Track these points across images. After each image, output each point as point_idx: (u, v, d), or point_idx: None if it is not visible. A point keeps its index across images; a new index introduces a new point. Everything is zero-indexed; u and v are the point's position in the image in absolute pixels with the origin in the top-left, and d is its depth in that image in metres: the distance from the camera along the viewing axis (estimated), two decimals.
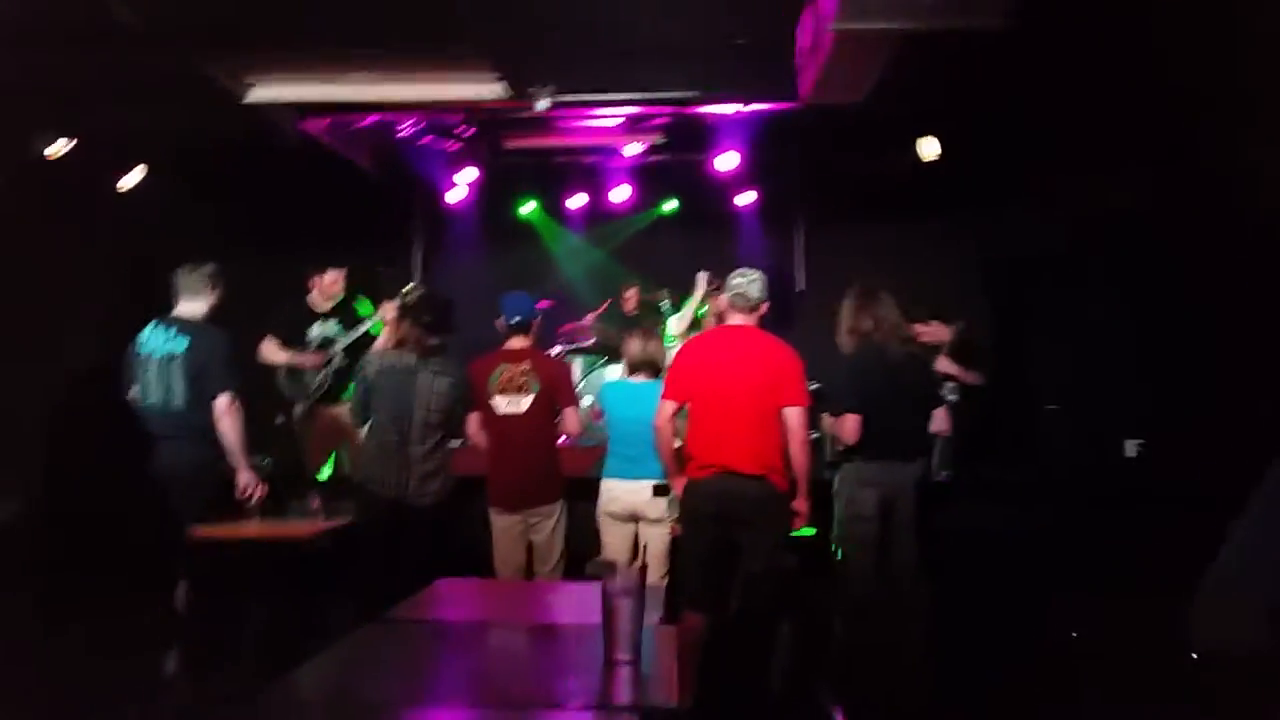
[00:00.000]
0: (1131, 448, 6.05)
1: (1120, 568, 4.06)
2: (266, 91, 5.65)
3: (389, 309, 5.47)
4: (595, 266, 8.55)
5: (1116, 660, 2.70)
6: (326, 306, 6.00)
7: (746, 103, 6.32)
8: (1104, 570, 3.87)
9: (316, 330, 5.93)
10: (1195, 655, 2.16)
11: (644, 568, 2.20)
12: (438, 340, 4.45)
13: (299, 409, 5.88)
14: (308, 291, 5.98)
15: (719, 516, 3.84)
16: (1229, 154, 4.96)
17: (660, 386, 4.28)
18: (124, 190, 6.28)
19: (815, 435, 4.61)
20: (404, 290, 5.79)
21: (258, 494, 4.41)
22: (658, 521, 4.53)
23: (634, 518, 4.59)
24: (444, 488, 4.42)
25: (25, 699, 2.25)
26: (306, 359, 5.85)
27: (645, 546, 3.14)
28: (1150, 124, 5.49)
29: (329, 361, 5.88)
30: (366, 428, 4.51)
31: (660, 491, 4.45)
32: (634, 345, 4.78)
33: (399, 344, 4.47)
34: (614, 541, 4.62)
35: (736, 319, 4.16)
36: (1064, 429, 6.42)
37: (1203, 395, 5.40)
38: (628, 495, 4.56)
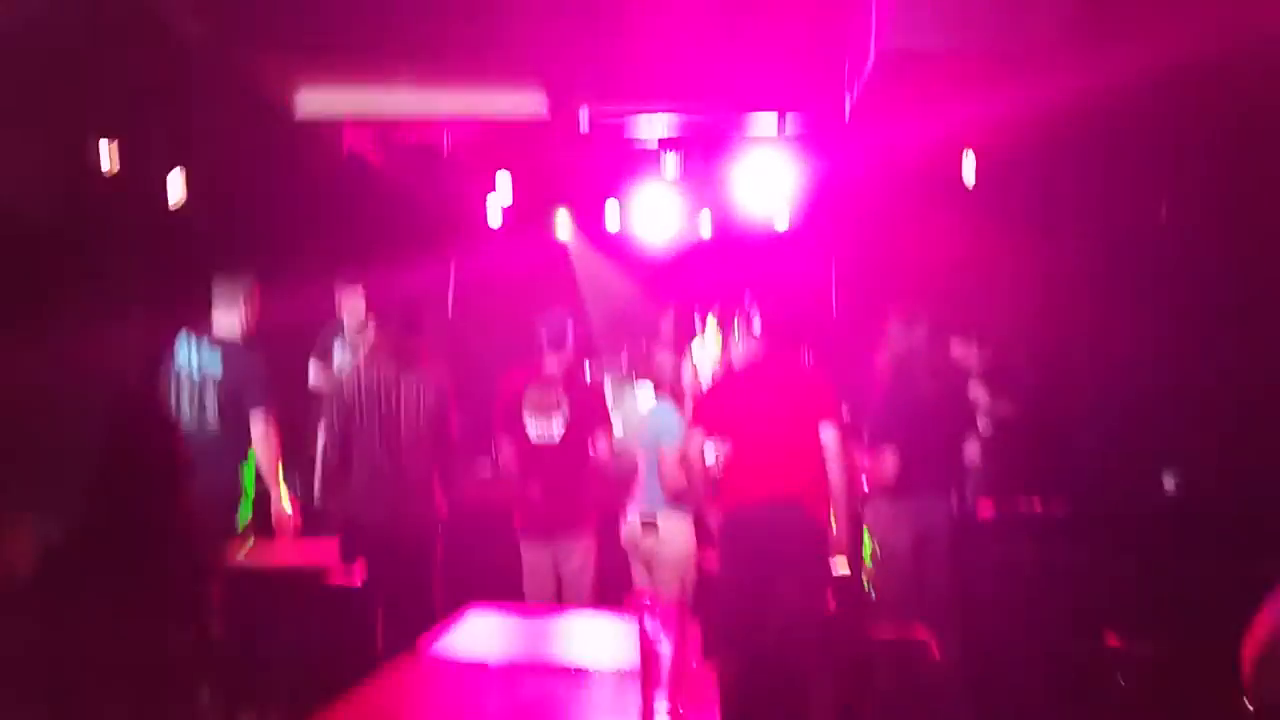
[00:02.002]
0: (1170, 482, 5.93)
1: (1162, 607, 3.98)
2: (313, 103, 5.70)
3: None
4: (630, 288, 8.54)
5: (1162, 706, 2.63)
6: (352, 323, 5.97)
7: (787, 119, 6.29)
8: (1147, 610, 3.79)
9: (338, 345, 5.90)
10: (1250, 703, 2.10)
11: (683, 604, 2.18)
12: (414, 344, 4.30)
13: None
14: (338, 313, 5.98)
15: (757, 553, 3.79)
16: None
17: (673, 412, 4.28)
18: (171, 202, 6.33)
19: None
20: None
21: (292, 524, 4.40)
22: (651, 559, 4.46)
23: (638, 554, 4.54)
24: (435, 509, 4.27)
25: None
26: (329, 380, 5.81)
27: (684, 580, 3.11)
28: (1195, 133, 5.41)
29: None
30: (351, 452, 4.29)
31: (649, 528, 4.40)
32: (663, 369, 4.76)
33: (371, 357, 4.36)
34: (637, 571, 4.58)
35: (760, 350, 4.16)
36: (1100, 461, 6.31)
37: (1244, 427, 5.29)
38: (630, 530, 4.54)
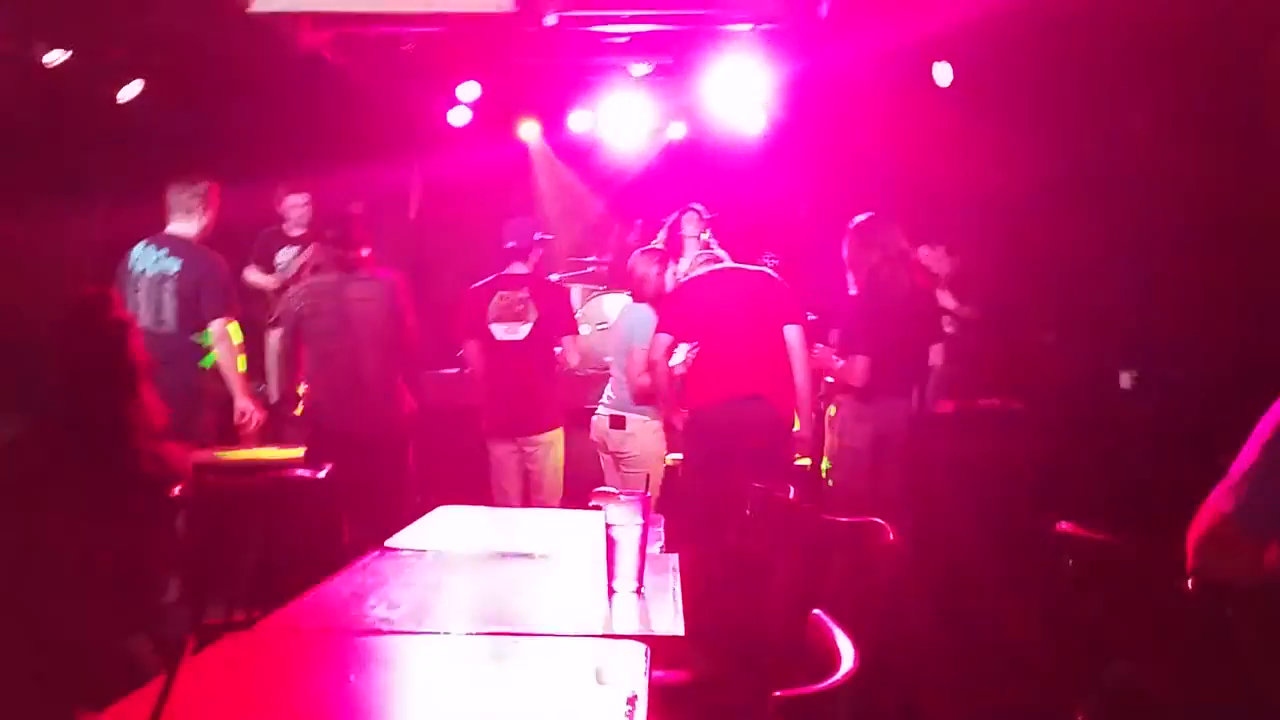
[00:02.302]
0: (1127, 379, 6.06)
1: (1114, 499, 4.11)
2: (271, 1, 5.49)
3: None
4: (599, 194, 8.44)
5: (1108, 587, 2.73)
6: (297, 232, 5.87)
7: (760, 21, 6.15)
8: (1097, 501, 3.92)
9: (283, 255, 5.82)
10: (1191, 584, 2.20)
11: (648, 498, 2.22)
12: (356, 254, 4.21)
13: (268, 334, 5.81)
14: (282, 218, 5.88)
15: (724, 447, 3.86)
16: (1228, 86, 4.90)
17: (647, 316, 4.31)
18: (123, 103, 6.13)
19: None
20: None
21: (256, 421, 4.41)
22: (618, 455, 4.53)
23: (606, 449, 4.61)
24: (403, 412, 4.25)
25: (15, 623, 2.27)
26: (271, 282, 5.73)
27: (649, 477, 3.17)
28: (1168, 40, 5.39)
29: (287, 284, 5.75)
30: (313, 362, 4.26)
31: (617, 424, 4.47)
32: (637, 274, 4.75)
33: (316, 270, 4.35)
34: (607, 471, 4.65)
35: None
36: (1059, 360, 6.42)
37: (1200, 329, 5.39)
38: (598, 424, 4.61)
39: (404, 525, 2.87)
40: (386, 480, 4.10)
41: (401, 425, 4.28)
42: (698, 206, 5.99)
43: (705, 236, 5.50)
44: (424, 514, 3.10)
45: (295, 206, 5.80)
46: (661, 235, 7.65)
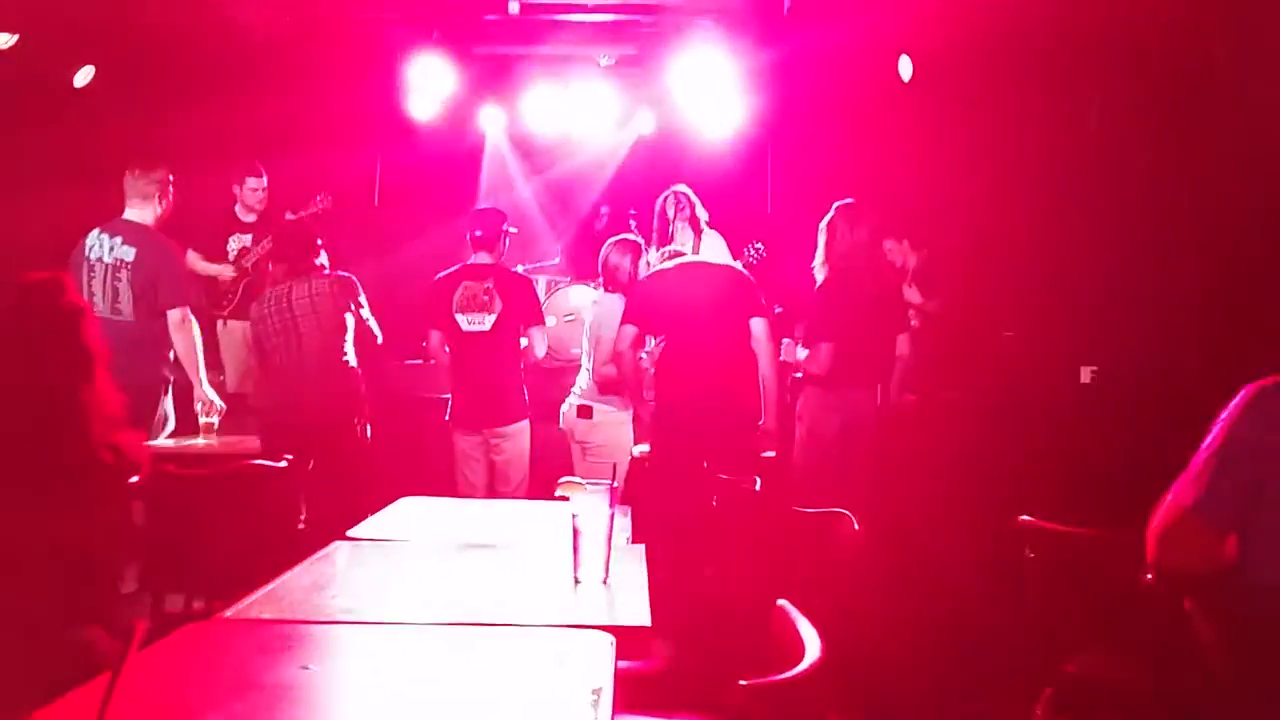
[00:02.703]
0: (1086, 374, 6.14)
1: (1074, 491, 4.16)
2: None
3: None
4: (564, 185, 8.39)
5: (1069, 578, 2.77)
6: (250, 218, 5.75)
7: (724, 14, 6.15)
8: (1058, 493, 3.96)
9: (234, 243, 5.70)
10: (1151, 576, 2.23)
11: (614, 488, 2.21)
12: (309, 262, 4.30)
13: (220, 324, 5.69)
14: (234, 202, 5.75)
15: (689, 437, 3.86)
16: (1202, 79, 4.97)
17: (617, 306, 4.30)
18: (76, 88, 6.00)
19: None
20: (315, 201, 5.71)
21: (215, 411, 4.36)
22: (584, 445, 4.53)
23: (574, 438, 4.60)
24: (350, 404, 4.24)
25: None
26: (224, 271, 5.62)
27: (615, 467, 3.16)
28: (1127, 40, 5.46)
29: (244, 274, 5.66)
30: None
31: (584, 414, 4.47)
32: (608, 265, 4.74)
33: (273, 283, 4.37)
34: (576, 461, 4.64)
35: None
36: (1020, 354, 6.50)
37: (1158, 323, 5.48)
38: (567, 414, 4.60)
39: (355, 518, 2.83)
40: (337, 474, 4.02)
41: (349, 420, 4.24)
42: (682, 188, 5.91)
43: (704, 220, 5.48)
44: (387, 504, 3.06)
45: (253, 191, 5.66)
46: (600, 223, 7.68)
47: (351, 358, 4.28)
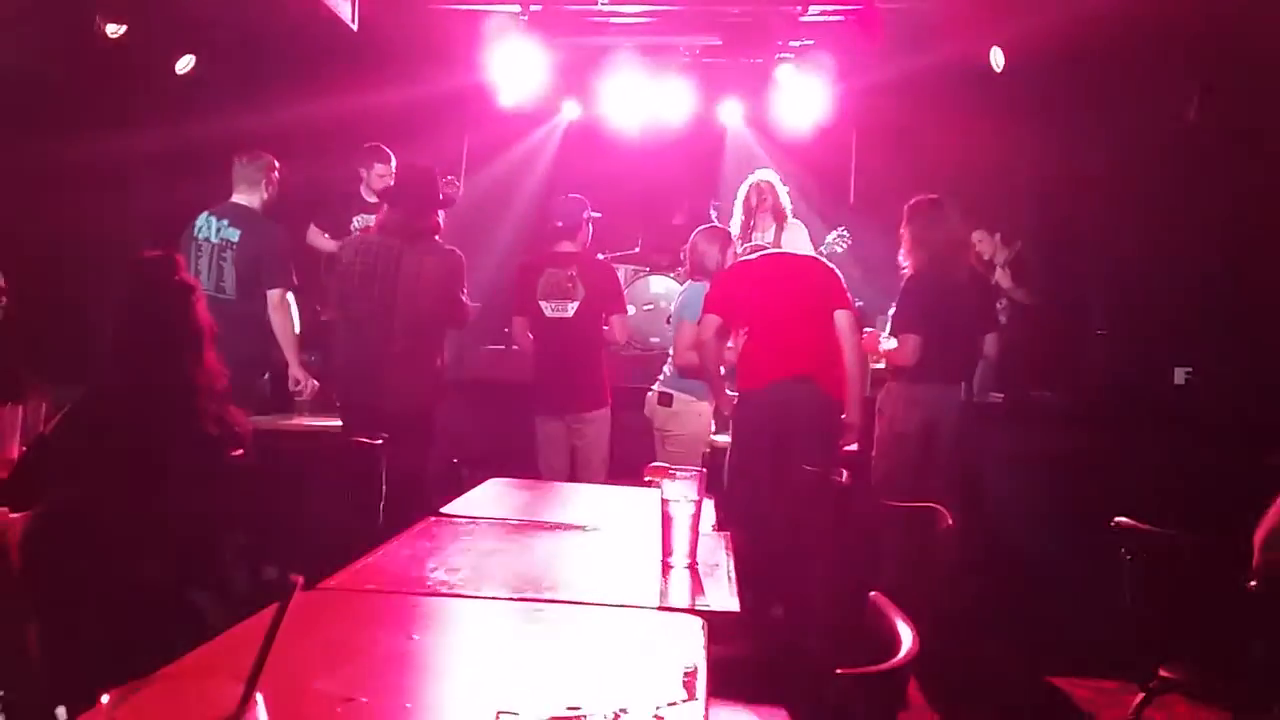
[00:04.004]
0: (1180, 375, 5.97)
1: (1167, 494, 4.05)
2: None
3: None
4: (649, 175, 8.39)
5: (1168, 582, 2.70)
6: (374, 200, 5.92)
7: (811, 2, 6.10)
8: (1152, 495, 3.87)
9: (359, 222, 5.71)
10: (1255, 582, 2.16)
11: (703, 473, 2.22)
12: (426, 222, 3.93)
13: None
14: (359, 184, 5.90)
15: (772, 428, 3.85)
16: None
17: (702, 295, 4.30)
18: (180, 74, 6.22)
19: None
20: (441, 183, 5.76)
21: (309, 390, 4.47)
22: (663, 433, 4.52)
23: (654, 425, 4.60)
24: (432, 391, 4.01)
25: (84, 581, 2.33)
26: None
27: (703, 455, 3.18)
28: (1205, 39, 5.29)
29: None
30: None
31: (664, 401, 4.47)
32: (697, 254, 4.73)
33: (381, 229, 4.01)
34: (658, 448, 4.65)
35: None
36: (1112, 354, 6.34)
37: (1255, 323, 5.30)
38: (650, 400, 4.61)
39: (451, 493, 2.89)
40: (427, 450, 4.02)
41: (428, 401, 4.07)
42: (765, 177, 5.83)
43: (788, 210, 5.44)
44: (474, 486, 3.13)
45: (381, 177, 5.62)
46: (680, 216, 7.66)
47: (442, 348, 4.12)
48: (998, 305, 5.41)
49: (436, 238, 4.12)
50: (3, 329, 3.85)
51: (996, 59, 6.48)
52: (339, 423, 4.16)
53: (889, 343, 4.25)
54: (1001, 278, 5.47)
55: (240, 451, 2.89)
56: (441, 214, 4.16)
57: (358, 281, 3.88)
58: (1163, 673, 2.44)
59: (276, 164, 4.55)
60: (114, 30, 5.68)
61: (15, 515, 2.16)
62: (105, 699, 0.74)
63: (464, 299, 4.18)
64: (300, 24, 5.85)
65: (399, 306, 3.89)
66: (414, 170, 4.21)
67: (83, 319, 4.44)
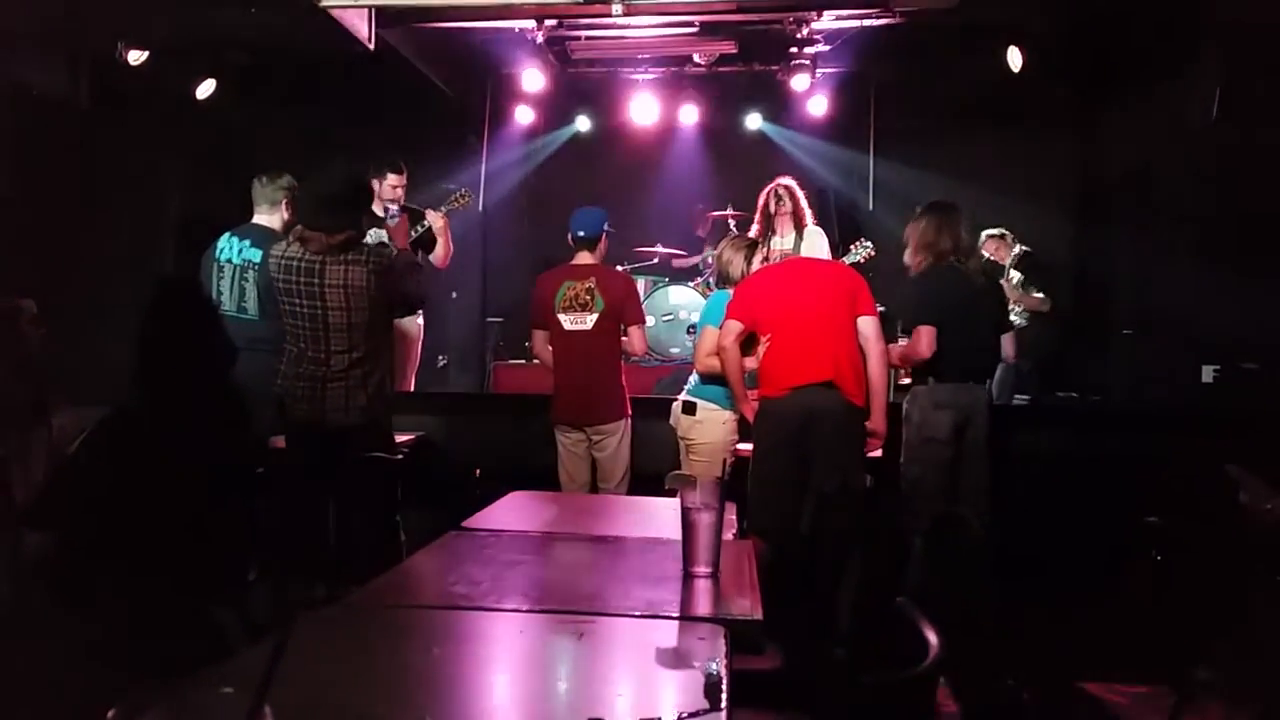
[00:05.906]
0: (1208, 373, 5.89)
1: (1196, 494, 3.99)
2: None
3: (437, 217, 5.45)
4: (664, 184, 8.42)
5: (1196, 582, 2.66)
6: (384, 213, 5.91)
7: (826, 10, 6.10)
8: (1183, 496, 3.81)
9: (373, 235, 5.82)
10: None
11: (723, 481, 2.21)
12: (348, 231, 3.65)
13: None
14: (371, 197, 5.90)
15: (795, 435, 3.82)
16: None
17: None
18: (200, 99, 6.30)
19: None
20: (453, 196, 5.78)
21: None
22: (687, 442, 4.48)
23: (678, 434, 4.57)
24: (376, 404, 3.73)
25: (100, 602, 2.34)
26: None
27: (725, 461, 3.16)
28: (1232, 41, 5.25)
29: None
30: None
31: (688, 409, 4.44)
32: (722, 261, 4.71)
33: (301, 242, 3.66)
34: (683, 456, 4.63)
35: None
36: (1140, 354, 6.28)
37: None
38: (675, 408, 4.57)
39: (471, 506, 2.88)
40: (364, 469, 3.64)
41: (372, 413, 3.78)
42: (785, 182, 5.81)
43: (808, 216, 5.39)
44: (495, 499, 3.12)
45: (393, 187, 5.58)
46: (701, 224, 7.66)
47: (386, 358, 3.87)
48: (1014, 310, 5.36)
49: (366, 242, 3.94)
50: (33, 353, 3.91)
51: (1014, 59, 6.44)
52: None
53: (901, 341, 4.23)
54: (1012, 279, 5.42)
55: (261, 469, 2.91)
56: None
57: (283, 298, 3.71)
58: (1197, 674, 2.40)
59: (296, 184, 4.58)
60: (136, 57, 5.77)
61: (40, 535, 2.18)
62: (111, 714, 0.74)
63: (411, 290, 4.00)
64: (318, 45, 5.92)
65: (329, 320, 3.67)
66: (329, 177, 3.90)
67: (105, 341, 4.49)
